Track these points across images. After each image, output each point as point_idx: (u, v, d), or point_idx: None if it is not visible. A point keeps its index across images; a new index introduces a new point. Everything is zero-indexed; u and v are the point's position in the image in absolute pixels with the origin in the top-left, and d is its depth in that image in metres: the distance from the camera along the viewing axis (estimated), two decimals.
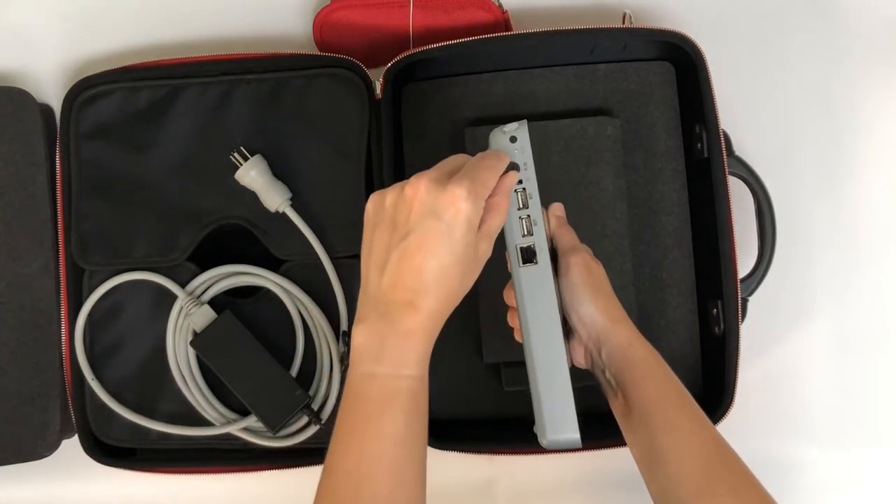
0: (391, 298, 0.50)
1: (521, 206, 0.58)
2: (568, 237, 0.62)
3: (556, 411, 0.57)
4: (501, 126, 0.59)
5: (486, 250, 0.52)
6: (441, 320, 0.51)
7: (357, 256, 0.75)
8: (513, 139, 0.58)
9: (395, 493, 0.48)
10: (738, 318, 0.72)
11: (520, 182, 0.58)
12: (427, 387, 0.51)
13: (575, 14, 0.82)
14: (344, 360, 0.75)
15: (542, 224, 0.58)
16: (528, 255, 0.58)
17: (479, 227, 0.51)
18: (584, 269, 0.59)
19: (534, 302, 0.57)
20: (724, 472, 0.53)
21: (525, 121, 0.59)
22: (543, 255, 0.58)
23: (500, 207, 0.53)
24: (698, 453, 0.54)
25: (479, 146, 0.67)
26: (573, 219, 0.66)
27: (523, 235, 0.58)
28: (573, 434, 0.56)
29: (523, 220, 0.58)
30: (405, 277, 0.49)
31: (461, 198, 0.49)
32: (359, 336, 0.51)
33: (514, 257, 0.58)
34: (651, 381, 0.57)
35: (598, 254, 0.65)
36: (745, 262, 0.74)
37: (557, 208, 0.64)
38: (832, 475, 0.80)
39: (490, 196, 0.52)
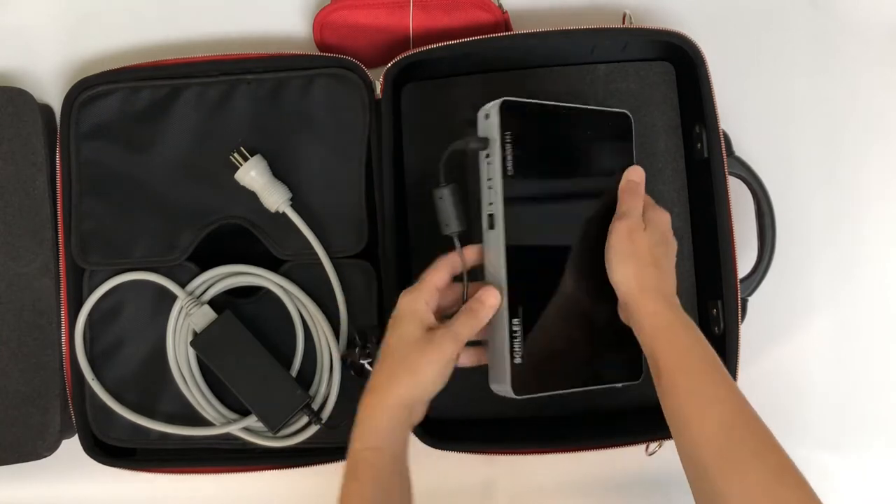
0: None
1: (489, 177, 0.63)
2: (626, 203, 0.64)
3: (496, 365, 0.64)
4: (485, 105, 0.64)
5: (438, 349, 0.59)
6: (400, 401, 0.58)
7: (357, 256, 0.76)
8: (486, 116, 0.64)
9: None
10: (738, 318, 0.72)
11: (487, 156, 0.63)
12: (392, 455, 0.57)
13: (575, 14, 0.82)
14: (347, 359, 0.74)
15: (500, 194, 0.62)
16: (491, 222, 0.63)
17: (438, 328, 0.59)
18: (624, 236, 0.62)
19: (490, 263, 0.63)
20: (746, 435, 0.54)
21: (500, 101, 0.63)
22: (499, 222, 0.62)
23: (472, 312, 0.60)
24: (720, 418, 0.55)
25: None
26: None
27: (489, 203, 0.63)
28: (507, 386, 0.62)
29: (490, 190, 0.63)
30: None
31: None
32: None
33: (483, 222, 0.64)
34: (675, 349, 0.59)
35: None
36: (745, 262, 0.74)
37: (632, 172, 0.66)
38: (832, 475, 0.80)
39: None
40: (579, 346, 0.67)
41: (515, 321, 0.62)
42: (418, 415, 0.61)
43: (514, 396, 0.62)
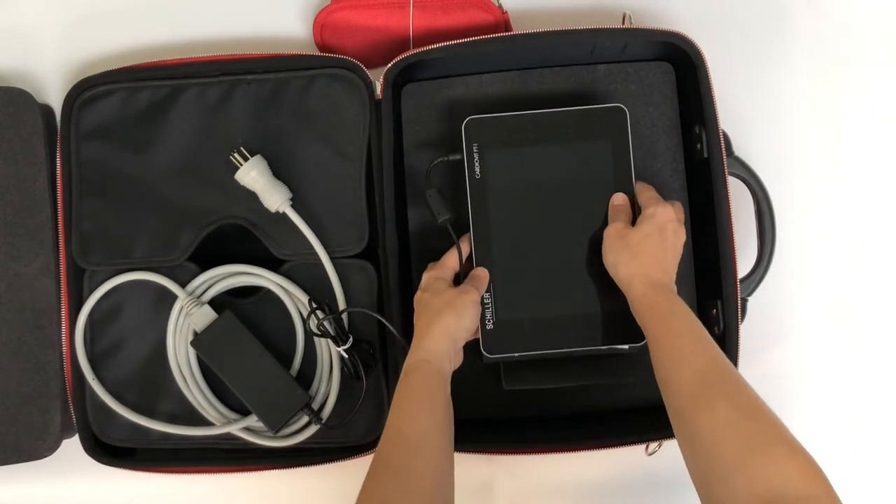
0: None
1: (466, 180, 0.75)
2: (612, 217, 0.72)
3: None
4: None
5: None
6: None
7: (357, 256, 0.76)
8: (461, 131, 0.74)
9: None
10: (737, 318, 0.72)
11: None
12: (438, 370, 0.65)
13: (575, 14, 0.82)
14: (319, 319, 0.75)
15: (468, 194, 0.73)
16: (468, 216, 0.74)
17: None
18: (615, 236, 0.69)
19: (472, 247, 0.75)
20: (717, 381, 0.58)
21: (466, 119, 0.73)
22: (470, 216, 0.74)
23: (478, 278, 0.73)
24: (693, 370, 0.59)
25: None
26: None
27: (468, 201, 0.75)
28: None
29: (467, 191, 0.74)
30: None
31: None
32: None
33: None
34: (657, 322, 0.64)
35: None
36: (744, 262, 0.74)
37: (616, 198, 0.72)
38: (831, 475, 0.80)
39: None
40: (561, 314, 0.73)
41: (486, 295, 0.72)
42: (458, 356, 0.69)
43: (488, 356, 0.73)
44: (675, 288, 0.67)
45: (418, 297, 0.71)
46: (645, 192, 0.72)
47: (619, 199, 0.72)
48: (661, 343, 0.63)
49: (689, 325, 0.63)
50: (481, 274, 0.73)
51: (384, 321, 0.74)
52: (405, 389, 0.64)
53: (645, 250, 0.68)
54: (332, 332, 0.74)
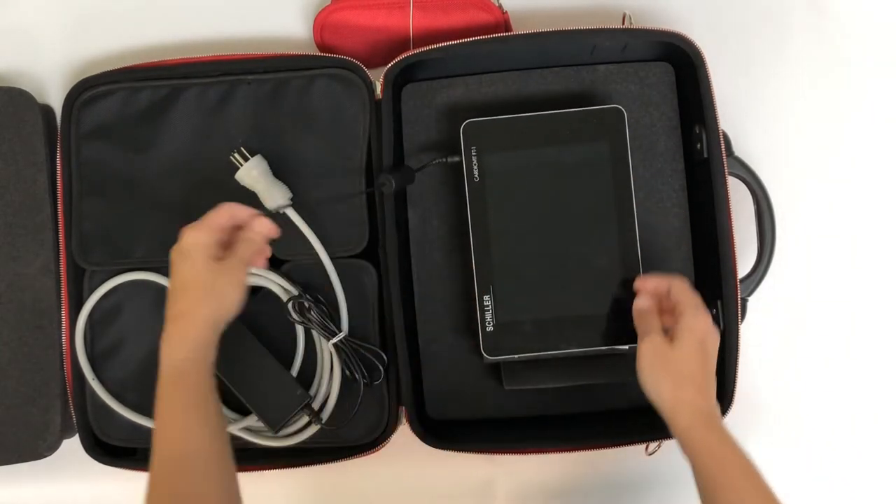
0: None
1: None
2: (641, 327, 0.67)
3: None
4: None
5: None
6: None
7: (357, 256, 0.76)
8: (460, 134, 0.74)
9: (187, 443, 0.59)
10: (737, 318, 0.72)
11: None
12: (207, 367, 0.61)
13: (575, 14, 0.82)
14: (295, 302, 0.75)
15: (467, 196, 0.73)
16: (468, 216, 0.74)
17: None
18: (652, 356, 0.64)
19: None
20: None
21: (464, 123, 0.73)
22: (469, 217, 0.73)
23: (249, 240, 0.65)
24: None
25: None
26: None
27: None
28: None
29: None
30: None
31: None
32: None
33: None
34: (712, 463, 0.60)
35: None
36: (744, 262, 0.74)
37: (640, 301, 0.68)
38: (831, 475, 0.80)
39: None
40: (560, 315, 0.73)
41: (486, 297, 0.72)
42: (218, 338, 0.64)
43: (488, 357, 0.73)
44: (719, 414, 0.64)
45: (174, 261, 0.63)
46: (683, 294, 0.66)
47: (643, 302, 0.68)
48: (715, 490, 0.60)
49: (746, 472, 0.60)
50: (258, 227, 0.65)
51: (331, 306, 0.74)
52: (174, 401, 0.59)
53: (688, 374, 0.63)
54: (318, 322, 0.73)
